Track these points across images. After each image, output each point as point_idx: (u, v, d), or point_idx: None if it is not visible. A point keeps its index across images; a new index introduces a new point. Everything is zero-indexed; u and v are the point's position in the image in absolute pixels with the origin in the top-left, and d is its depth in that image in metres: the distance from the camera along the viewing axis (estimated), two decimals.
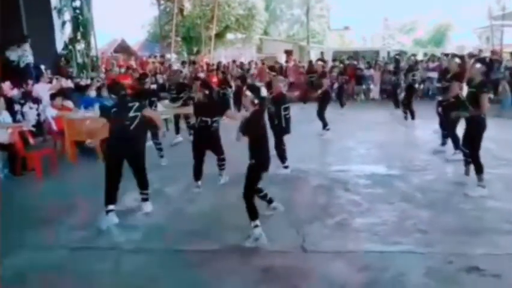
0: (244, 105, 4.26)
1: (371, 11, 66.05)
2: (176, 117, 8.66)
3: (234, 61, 17.88)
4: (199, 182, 5.45)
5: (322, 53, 19.54)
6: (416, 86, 9.85)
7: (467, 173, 5.43)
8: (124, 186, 4.70)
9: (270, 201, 4.51)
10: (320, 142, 8.30)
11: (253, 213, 3.95)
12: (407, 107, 9.85)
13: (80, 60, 12.13)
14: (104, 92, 8.41)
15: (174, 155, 7.26)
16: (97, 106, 7.18)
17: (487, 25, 21.68)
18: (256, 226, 3.92)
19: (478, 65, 5.08)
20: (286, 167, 6.10)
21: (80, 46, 12.29)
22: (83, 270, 3.61)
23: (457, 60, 6.67)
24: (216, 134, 5.60)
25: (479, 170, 4.97)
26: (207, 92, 5.40)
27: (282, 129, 6.00)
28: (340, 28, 39.54)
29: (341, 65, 15.37)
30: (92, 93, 8.53)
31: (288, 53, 23.69)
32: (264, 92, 4.08)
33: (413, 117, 9.69)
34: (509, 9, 21.22)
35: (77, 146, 7.14)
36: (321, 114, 8.69)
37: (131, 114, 4.50)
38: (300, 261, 3.68)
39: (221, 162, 5.69)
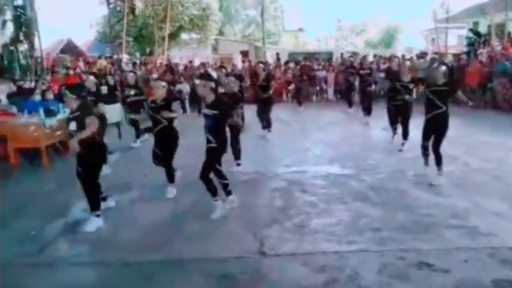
0: (204, 96, 4.58)
1: (324, 12, 67.70)
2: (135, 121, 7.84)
3: (190, 61, 17.50)
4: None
5: (278, 54, 19.72)
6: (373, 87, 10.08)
7: (426, 163, 5.76)
8: (73, 196, 4.42)
9: (229, 193, 4.74)
10: (275, 143, 8.30)
11: (214, 190, 4.53)
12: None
13: (23, 61, 11.48)
14: (50, 95, 7.99)
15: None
16: (41, 111, 6.80)
17: (432, 27, 22.83)
18: (217, 200, 4.56)
19: (443, 68, 5.47)
20: (239, 164, 6.28)
21: (23, 47, 11.65)
22: None
23: (408, 62, 6.96)
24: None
25: (441, 161, 5.47)
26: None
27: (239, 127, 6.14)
28: (294, 29, 40.15)
29: (298, 67, 15.43)
30: (37, 97, 8.03)
31: (244, 53, 23.72)
32: (214, 74, 4.47)
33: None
34: (452, 12, 22.45)
35: (21, 154, 6.70)
36: (263, 116, 8.45)
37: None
38: (259, 266, 3.64)
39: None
